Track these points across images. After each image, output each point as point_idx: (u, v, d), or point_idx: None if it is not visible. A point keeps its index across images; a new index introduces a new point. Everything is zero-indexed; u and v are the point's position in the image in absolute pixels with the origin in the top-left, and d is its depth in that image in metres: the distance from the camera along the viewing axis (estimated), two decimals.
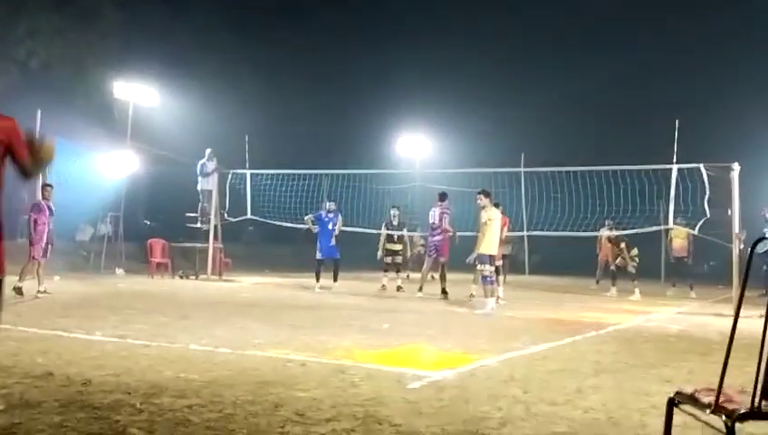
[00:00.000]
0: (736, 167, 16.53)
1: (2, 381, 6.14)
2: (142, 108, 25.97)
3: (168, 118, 29.20)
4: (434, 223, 18.06)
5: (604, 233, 21.81)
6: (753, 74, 40.04)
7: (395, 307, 15.16)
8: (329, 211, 19.23)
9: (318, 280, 18.72)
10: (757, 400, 3.51)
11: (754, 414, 3.56)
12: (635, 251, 20.38)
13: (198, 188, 23.82)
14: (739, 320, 3.55)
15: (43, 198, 15.38)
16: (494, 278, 15.00)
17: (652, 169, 19.11)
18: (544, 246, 32.34)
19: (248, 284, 21.28)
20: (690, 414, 4.00)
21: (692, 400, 3.87)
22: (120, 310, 12.55)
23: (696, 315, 15.74)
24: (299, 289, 19.44)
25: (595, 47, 43.44)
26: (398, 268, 20.17)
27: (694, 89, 41.27)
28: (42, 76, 29.21)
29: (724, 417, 3.56)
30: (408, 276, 19.63)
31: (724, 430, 3.55)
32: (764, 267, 17.78)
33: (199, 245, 23.56)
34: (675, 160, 18.03)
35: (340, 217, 19.57)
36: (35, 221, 14.93)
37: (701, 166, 17.27)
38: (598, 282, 23.47)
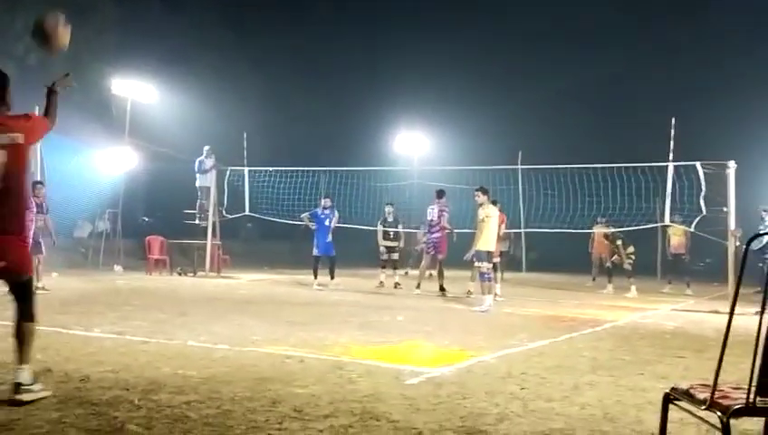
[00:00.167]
0: (732, 164, 16.54)
1: (0, 378, 6.15)
2: (140, 104, 25.93)
3: (166, 114, 29.16)
4: (432, 220, 18.08)
5: (597, 230, 21.88)
6: (751, 72, 40.09)
7: (393, 304, 15.17)
8: (324, 208, 19.23)
9: (315, 277, 18.74)
10: (752, 396, 3.54)
11: (749, 410, 3.58)
12: (631, 249, 20.40)
13: (197, 184, 23.81)
14: (734, 317, 3.57)
15: (33, 195, 15.34)
16: (491, 275, 15.01)
17: (648, 166, 19.13)
18: (541, 243, 32.33)
19: (246, 280, 21.28)
20: (686, 410, 4.03)
21: (687, 396, 3.90)
22: (119, 307, 12.57)
23: (691, 312, 15.77)
24: (297, 286, 19.45)
25: (592, 45, 43.41)
26: (395, 265, 20.18)
27: (690, 86, 41.32)
28: (39, 72, 29.12)
29: (719, 413, 3.59)
30: (406, 273, 19.63)
31: (720, 426, 3.58)
32: (760, 264, 17.80)
33: (197, 241, 23.56)
34: (671, 158, 18.03)
35: (336, 213, 19.58)
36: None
37: (697, 163, 17.29)
38: (594, 279, 23.49)
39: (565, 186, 20.57)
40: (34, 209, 15.05)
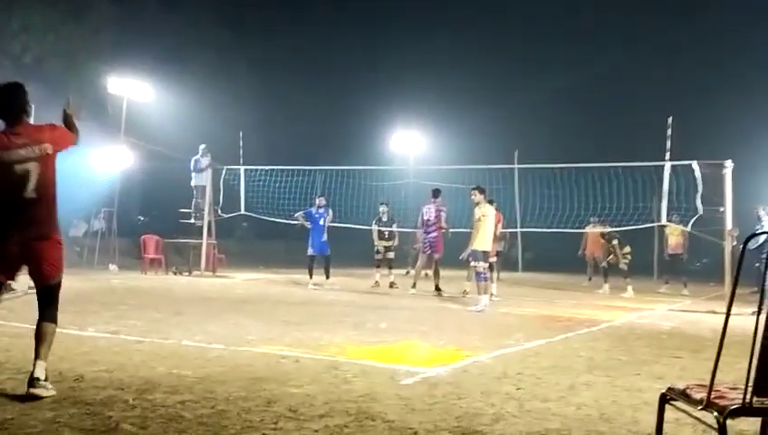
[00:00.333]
0: (729, 164, 16.55)
1: None
2: (136, 103, 25.88)
3: (162, 113, 29.10)
4: (429, 220, 18.07)
5: (590, 230, 21.89)
6: (748, 72, 40.16)
7: (388, 304, 15.16)
8: (319, 207, 19.21)
9: (311, 276, 18.72)
10: (749, 396, 3.53)
11: (746, 410, 3.57)
12: (627, 249, 20.39)
13: (192, 183, 23.76)
14: (731, 317, 3.56)
15: None
16: (487, 275, 15.00)
17: (645, 165, 19.14)
18: (538, 242, 32.37)
19: (241, 280, 21.26)
20: (682, 410, 4.02)
21: (684, 396, 3.89)
22: (113, 306, 12.54)
23: (688, 312, 15.78)
24: (292, 285, 19.45)
25: (588, 45, 43.48)
26: (390, 264, 20.16)
27: (687, 86, 41.39)
28: (35, 70, 29.09)
29: (715, 413, 3.58)
30: (407, 272, 19.59)
31: (716, 426, 3.57)
32: (756, 264, 17.82)
33: (193, 241, 23.53)
34: (668, 157, 18.04)
35: (330, 212, 19.56)
36: None
37: (694, 163, 17.30)
38: (590, 279, 23.48)
39: (562, 185, 20.59)
40: None
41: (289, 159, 25.81)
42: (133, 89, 25.21)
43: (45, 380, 5.70)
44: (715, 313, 15.03)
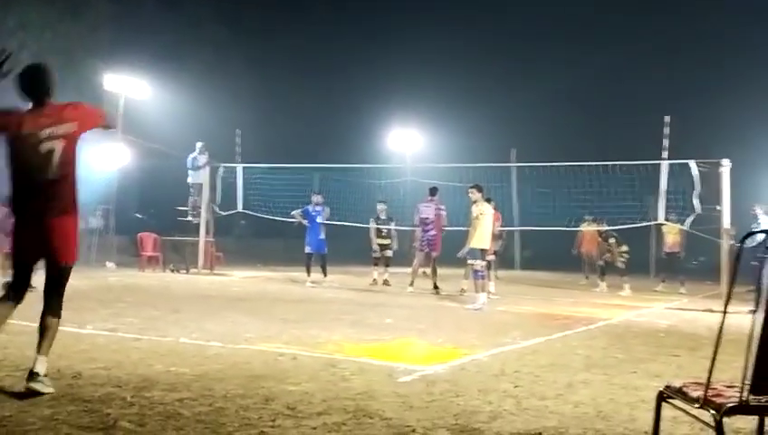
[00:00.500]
0: (726, 163, 16.58)
1: None
2: (133, 100, 25.87)
3: (159, 111, 29.09)
4: (427, 218, 18.07)
5: (585, 228, 21.92)
6: (745, 71, 40.19)
7: (386, 302, 15.17)
8: (316, 204, 19.19)
9: (309, 274, 18.72)
10: (745, 394, 3.54)
11: (743, 408, 3.58)
12: (624, 247, 20.39)
13: (189, 181, 23.74)
14: (728, 315, 3.57)
15: None
16: (485, 273, 15.00)
17: (643, 164, 19.16)
18: (535, 241, 32.41)
19: (239, 278, 21.26)
20: (679, 408, 4.03)
21: (681, 394, 3.89)
22: (111, 303, 12.54)
23: (685, 311, 15.81)
24: (290, 283, 19.45)
25: (586, 44, 43.54)
26: (387, 262, 20.16)
27: (684, 85, 41.44)
28: None
29: (712, 411, 3.59)
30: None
31: (713, 424, 3.58)
32: (753, 263, 17.82)
33: (190, 238, 23.52)
34: (665, 156, 18.06)
35: (327, 209, 19.55)
36: (6, 214, 14.83)
37: (691, 162, 17.32)
38: (587, 277, 23.50)
39: (559, 184, 20.60)
40: None
41: (287, 156, 25.81)
42: (130, 86, 25.22)
43: (45, 376, 5.69)
44: (711, 311, 15.04)
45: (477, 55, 43.75)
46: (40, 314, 5.94)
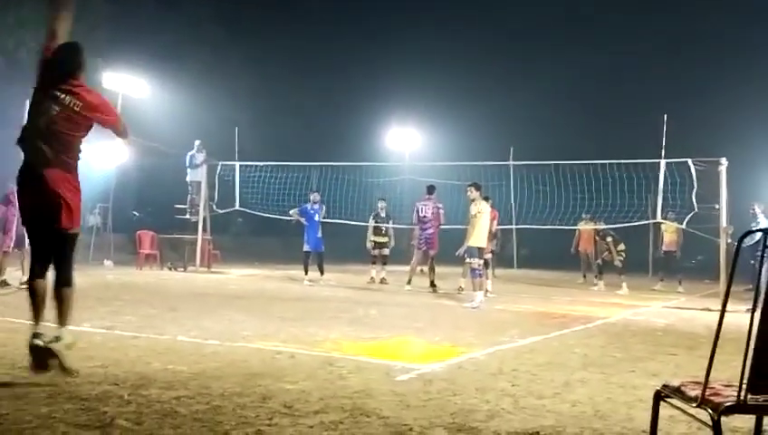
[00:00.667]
0: (724, 162, 16.59)
1: None
2: (132, 99, 25.83)
3: (157, 109, 29.05)
4: (425, 216, 18.07)
5: (582, 227, 21.93)
6: (743, 70, 40.21)
7: (383, 300, 15.17)
8: (314, 202, 19.17)
9: (306, 272, 18.70)
10: (743, 393, 3.53)
11: (740, 408, 3.57)
12: (621, 246, 20.40)
13: (187, 179, 23.75)
14: (726, 314, 3.56)
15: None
16: (482, 271, 15.01)
17: (641, 163, 19.17)
18: (533, 239, 32.38)
19: (237, 276, 21.26)
20: (677, 407, 4.02)
21: (678, 393, 3.89)
22: (109, 301, 12.53)
23: (683, 309, 15.82)
24: (287, 281, 19.44)
25: (584, 43, 43.53)
26: (384, 260, 20.15)
27: (682, 83, 41.46)
28: (30, 66, 29.03)
29: (710, 410, 3.58)
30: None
31: (711, 424, 3.57)
32: (752, 262, 17.85)
33: (188, 236, 23.52)
34: (663, 155, 18.06)
35: (323, 207, 19.55)
36: (6, 212, 14.84)
37: (689, 161, 17.33)
38: (585, 276, 23.50)
39: (557, 182, 20.62)
40: (17, 203, 14.93)
41: (284, 155, 25.80)
42: (129, 85, 25.18)
43: (71, 342, 6.02)
44: (709, 310, 15.06)
45: (476, 54, 43.79)
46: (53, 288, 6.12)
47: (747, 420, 4.54)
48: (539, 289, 20.57)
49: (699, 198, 17.40)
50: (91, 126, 6.34)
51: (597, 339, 10.22)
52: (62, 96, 6.10)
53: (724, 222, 16.55)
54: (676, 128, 18.82)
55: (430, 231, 18.04)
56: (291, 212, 19.65)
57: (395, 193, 24.26)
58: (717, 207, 16.91)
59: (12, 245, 14.73)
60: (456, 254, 15.35)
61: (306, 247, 18.85)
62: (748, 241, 4.09)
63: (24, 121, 6.36)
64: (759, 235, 4.56)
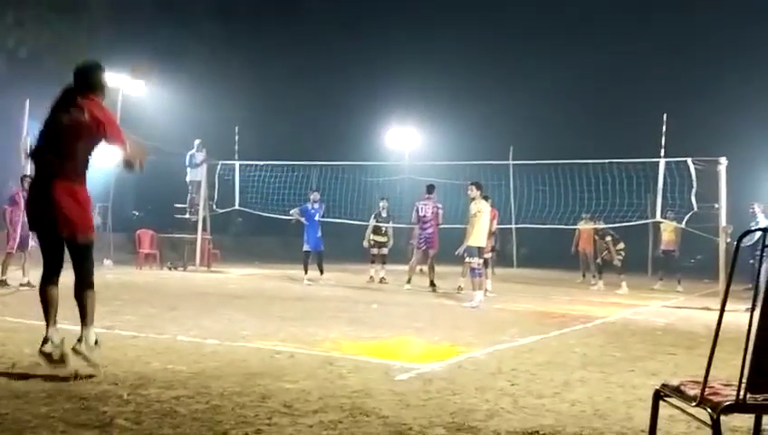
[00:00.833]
0: (724, 161, 16.58)
1: None
2: (131, 98, 25.82)
3: (156, 108, 29.03)
4: (425, 216, 18.06)
5: (582, 226, 21.94)
6: (742, 69, 40.20)
7: (383, 299, 15.15)
8: (314, 202, 19.14)
9: (306, 272, 18.68)
10: (742, 392, 3.53)
11: (740, 407, 3.58)
12: (621, 245, 20.38)
13: (187, 179, 23.74)
14: (725, 313, 3.56)
15: (23, 189, 15.14)
16: (482, 271, 15.00)
17: (640, 162, 19.18)
18: (532, 239, 32.39)
19: (236, 275, 21.25)
20: (676, 407, 4.03)
21: (678, 392, 3.89)
22: (108, 301, 12.49)
23: (682, 309, 15.82)
24: (287, 281, 19.43)
25: (584, 42, 43.49)
26: (384, 260, 20.15)
27: (682, 83, 41.44)
28: (30, 65, 29.04)
29: (709, 409, 3.58)
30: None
31: (710, 423, 3.57)
32: (751, 261, 17.88)
33: (188, 236, 23.51)
34: (662, 154, 18.07)
35: (323, 206, 19.54)
36: (11, 213, 14.84)
37: (689, 160, 17.33)
38: (584, 275, 23.50)
39: (556, 182, 20.63)
40: (23, 204, 14.90)
41: (284, 154, 25.78)
42: (128, 84, 25.16)
43: (96, 343, 6.23)
44: (709, 309, 15.07)
45: (476, 54, 43.72)
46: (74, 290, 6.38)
47: (747, 420, 4.55)
48: (538, 288, 20.56)
49: (699, 198, 17.40)
50: (97, 140, 6.46)
51: (596, 338, 10.22)
52: (72, 110, 6.25)
53: (723, 221, 16.54)
54: (676, 127, 18.82)
55: (430, 231, 18.03)
56: (291, 212, 19.62)
57: (395, 192, 24.27)
58: (717, 206, 16.91)
59: (16, 246, 14.72)
60: (456, 253, 15.35)
61: (306, 247, 18.82)
62: (747, 240, 4.09)
63: (37, 134, 6.54)
64: (758, 234, 4.55)
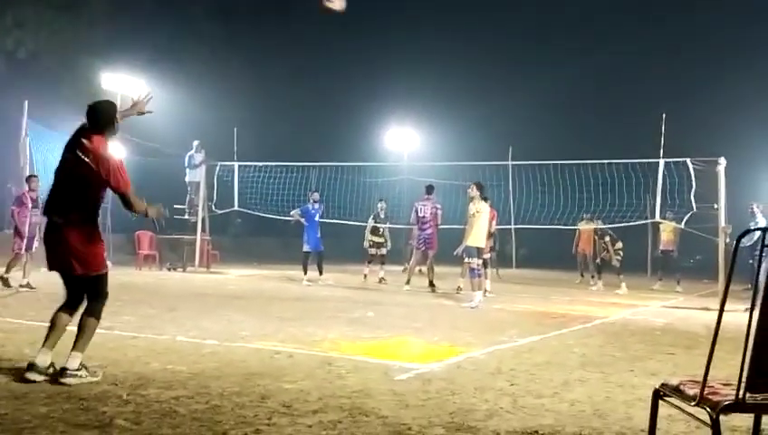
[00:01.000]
0: (723, 161, 16.58)
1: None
2: (130, 99, 25.80)
3: (155, 109, 28.90)
4: (424, 216, 18.06)
5: (582, 227, 21.94)
6: (742, 70, 40.22)
7: (382, 300, 15.17)
8: (315, 202, 19.13)
9: (305, 272, 18.67)
10: (741, 392, 3.53)
11: (739, 406, 3.58)
12: (619, 245, 20.36)
13: (186, 179, 23.75)
14: (724, 313, 3.56)
15: (29, 189, 15.16)
16: (481, 271, 15.00)
17: (639, 162, 19.19)
18: (532, 239, 32.38)
19: (235, 276, 21.24)
20: (675, 406, 4.03)
21: (677, 392, 3.89)
22: (108, 302, 12.49)
23: (681, 309, 15.82)
24: (286, 281, 19.42)
25: (583, 43, 43.51)
26: (382, 260, 20.15)
27: (682, 83, 41.46)
28: (29, 66, 29.05)
29: (708, 409, 3.58)
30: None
31: (709, 422, 3.58)
32: (750, 261, 17.91)
33: (187, 237, 23.50)
34: (662, 154, 18.08)
35: (323, 207, 19.54)
36: (18, 214, 14.84)
37: (688, 160, 17.34)
38: (582, 275, 23.49)
39: (556, 182, 20.64)
40: (29, 205, 14.92)
41: (283, 155, 25.78)
42: (127, 84, 25.16)
43: (79, 369, 6.01)
44: (708, 309, 15.06)
45: (475, 54, 43.70)
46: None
47: (746, 419, 4.55)
48: (537, 289, 20.55)
49: (698, 198, 17.42)
50: (104, 180, 6.44)
51: (595, 338, 10.22)
52: (78, 150, 6.34)
53: (722, 221, 16.55)
54: (675, 127, 18.84)
55: (429, 231, 18.02)
56: (292, 213, 19.59)
57: (394, 193, 24.27)
58: (716, 206, 16.90)
59: (24, 247, 14.70)
60: (455, 253, 15.34)
61: (306, 247, 18.80)
62: (746, 240, 4.10)
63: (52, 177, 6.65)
64: (757, 234, 4.56)
